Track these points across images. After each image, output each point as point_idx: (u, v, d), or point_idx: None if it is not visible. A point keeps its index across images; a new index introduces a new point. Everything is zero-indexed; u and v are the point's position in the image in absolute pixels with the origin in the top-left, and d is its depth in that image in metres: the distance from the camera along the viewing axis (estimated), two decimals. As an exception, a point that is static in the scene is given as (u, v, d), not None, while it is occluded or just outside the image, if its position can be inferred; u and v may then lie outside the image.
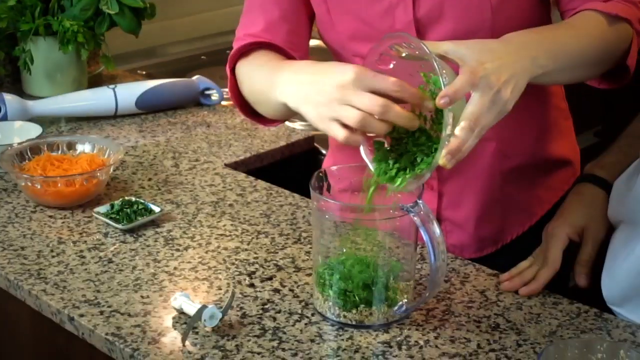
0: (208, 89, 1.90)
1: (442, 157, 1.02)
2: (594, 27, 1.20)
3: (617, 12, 1.21)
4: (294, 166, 1.74)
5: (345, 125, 1.05)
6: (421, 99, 1.05)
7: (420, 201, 1.07)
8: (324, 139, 1.72)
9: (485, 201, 1.35)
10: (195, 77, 1.92)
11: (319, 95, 1.07)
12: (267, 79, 1.21)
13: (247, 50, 1.31)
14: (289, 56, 1.28)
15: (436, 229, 1.05)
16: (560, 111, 1.43)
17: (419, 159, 1.07)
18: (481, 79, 1.03)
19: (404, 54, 1.08)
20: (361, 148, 1.10)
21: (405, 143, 1.09)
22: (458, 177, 1.34)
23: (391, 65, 1.10)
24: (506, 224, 1.39)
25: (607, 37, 1.21)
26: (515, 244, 1.39)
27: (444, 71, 1.03)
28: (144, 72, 2.26)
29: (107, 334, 1.11)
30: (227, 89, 1.98)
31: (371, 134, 1.08)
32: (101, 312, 1.15)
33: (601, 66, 1.24)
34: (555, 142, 1.41)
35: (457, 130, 1.02)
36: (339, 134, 1.06)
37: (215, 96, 1.91)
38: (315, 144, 1.80)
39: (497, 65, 1.05)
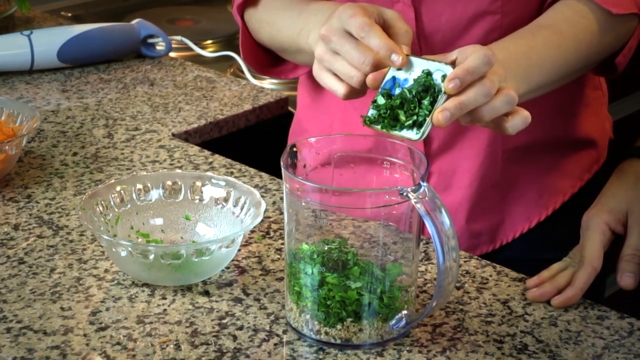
0: (152, 36, 1.91)
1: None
2: (583, 30, 1.23)
3: (620, 10, 1.23)
4: (262, 136, 1.75)
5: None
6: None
7: (425, 183, 1.06)
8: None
9: (481, 185, 1.36)
10: (135, 21, 1.93)
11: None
12: (292, 24, 1.28)
13: None
14: None
15: (445, 220, 1.05)
16: (588, 78, 1.42)
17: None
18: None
19: None
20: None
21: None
22: (449, 152, 1.35)
23: None
24: (508, 217, 1.39)
25: (600, 42, 1.24)
26: (518, 245, 1.39)
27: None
28: (69, 14, 2.27)
29: (15, 358, 1.09)
30: (177, 37, 1.99)
31: None
32: (8, 330, 1.13)
33: (588, 69, 1.31)
34: (577, 117, 1.41)
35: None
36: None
37: (160, 46, 1.92)
38: (290, 108, 1.80)
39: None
